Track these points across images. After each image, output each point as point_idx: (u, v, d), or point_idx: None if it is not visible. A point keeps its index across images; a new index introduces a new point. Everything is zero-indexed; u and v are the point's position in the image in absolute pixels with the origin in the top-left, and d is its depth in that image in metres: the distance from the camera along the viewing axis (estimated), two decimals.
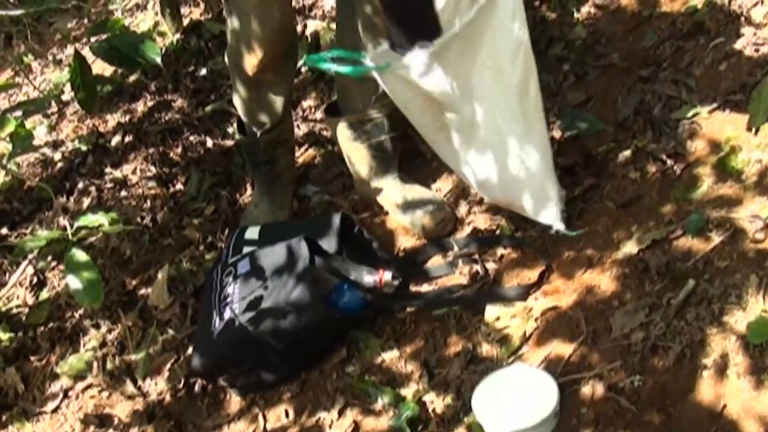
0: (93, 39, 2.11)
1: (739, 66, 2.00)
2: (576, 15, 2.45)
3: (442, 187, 2.17)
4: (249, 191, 2.46)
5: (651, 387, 1.52)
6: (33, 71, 3.59)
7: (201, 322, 1.99)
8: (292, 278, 1.84)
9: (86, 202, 2.67)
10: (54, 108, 3.19)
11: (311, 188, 2.38)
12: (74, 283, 1.74)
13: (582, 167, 1.99)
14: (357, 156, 2.17)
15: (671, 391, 1.51)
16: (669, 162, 1.89)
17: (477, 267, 1.92)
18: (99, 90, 2.88)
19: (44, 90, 3.36)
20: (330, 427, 1.78)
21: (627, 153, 1.96)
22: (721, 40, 2.08)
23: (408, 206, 2.09)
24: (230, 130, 2.71)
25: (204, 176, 2.57)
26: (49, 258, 2.49)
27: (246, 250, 2.01)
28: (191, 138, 2.77)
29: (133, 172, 2.73)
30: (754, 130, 1.84)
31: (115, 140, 2.90)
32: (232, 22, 2.00)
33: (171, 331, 2.14)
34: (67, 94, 3.23)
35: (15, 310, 2.41)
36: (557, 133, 2.10)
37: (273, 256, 1.92)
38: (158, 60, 2.02)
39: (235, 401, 1.93)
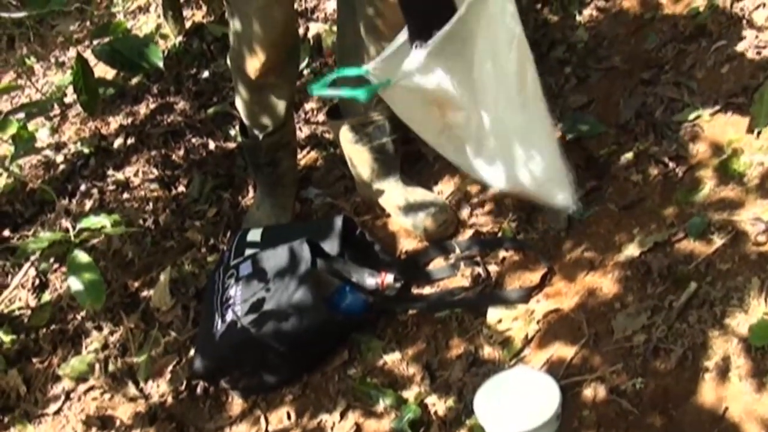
0: (95, 42, 2.11)
1: (741, 69, 2.00)
2: (578, 18, 2.45)
3: (444, 189, 2.17)
4: (251, 193, 2.47)
5: (653, 389, 1.52)
6: (35, 73, 3.59)
7: (203, 324, 1.99)
8: (294, 280, 1.85)
9: (88, 204, 2.67)
10: (56, 110, 3.19)
11: (313, 191, 2.38)
12: (76, 284, 1.74)
13: (584, 170, 1.99)
14: (359, 158, 2.17)
15: (673, 393, 1.51)
16: (671, 164, 1.89)
17: (479, 269, 1.92)
18: (101, 92, 2.87)
19: (46, 92, 3.36)
20: (332, 429, 1.78)
21: (629, 155, 1.97)
22: (723, 43, 2.08)
23: (410, 208, 2.09)
24: (232, 132, 2.71)
25: (206, 178, 2.57)
26: (51, 260, 2.49)
27: (248, 252, 2.01)
28: (193, 140, 2.78)
29: (136, 174, 2.73)
30: (756, 132, 1.84)
31: (118, 142, 2.90)
32: (235, 25, 2.00)
33: (173, 333, 2.14)
34: (70, 97, 3.23)
35: (17, 312, 2.41)
36: (559, 136, 2.10)
37: (275, 258, 1.92)
38: (161, 64, 2.03)
39: (237, 403, 1.93)
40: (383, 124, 2.12)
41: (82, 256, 1.76)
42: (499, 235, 1.98)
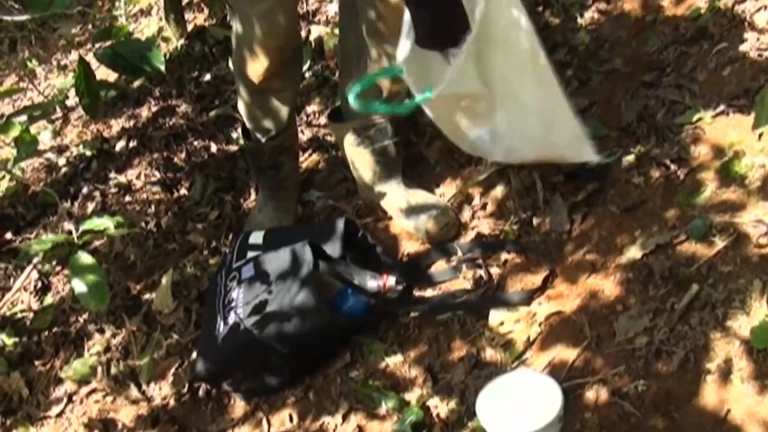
0: (97, 45, 2.11)
1: (743, 71, 2.00)
2: (579, 20, 2.46)
3: (446, 191, 2.17)
4: (253, 196, 2.47)
5: (655, 392, 1.52)
6: (37, 76, 3.59)
7: (205, 326, 1.99)
8: (297, 283, 1.85)
9: (91, 207, 2.68)
10: (58, 113, 3.20)
11: (315, 193, 2.38)
12: (79, 286, 1.74)
13: (586, 172, 1.99)
14: (361, 161, 2.17)
15: (675, 395, 1.51)
16: (672, 167, 1.89)
17: (481, 272, 1.92)
18: (103, 95, 2.89)
19: (48, 95, 3.37)
20: (334, 431, 1.78)
21: (630, 158, 1.97)
22: (725, 45, 2.09)
23: (412, 211, 2.09)
24: (234, 135, 2.71)
25: (208, 181, 2.58)
26: (54, 262, 2.49)
27: (250, 254, 2.01)
28: (195, 143, 2.78)
29: (138, 177, 2.73)
30: (757, 135, 1.84)
31: (120, 145, 2.91)
32: (237, 29, 2.00)
33: (175, 336, 2.14)
34: (72, 100, 3.24)
35: (19, 315, 2.41)
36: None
37: (277, 260, 1.92)
38: (162, 67, 2.03)
39: (239, 406, 1.93)
40: (385, 127, 2.12)
41: (85, 258, 1.76)
42: (501, 237, 1.98)
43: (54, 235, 2.35)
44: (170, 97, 3.04)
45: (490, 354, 1.75)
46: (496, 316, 1.81)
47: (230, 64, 2.15)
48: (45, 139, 3.07)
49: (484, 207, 2.07)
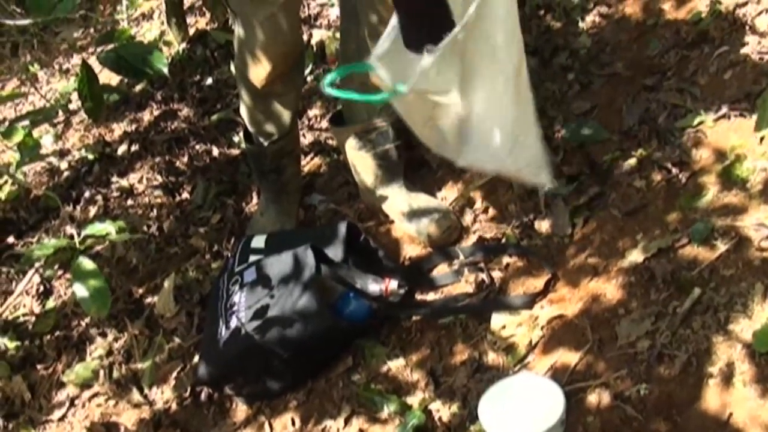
0: (99, 49, 2.12)
1: (744, 74, 2.00)
2: (580, 24, 2.46)
3: (448, 195, 2.18)
4: (255, 200, 2.47)
5: (657, 395, 1.52)
6: (39, 81, 3.60)
7: (207, 330, 1.99)
8: (299, 287, 1.85)
9: (93, 211, 2.68)
10: (60, 117, 3.20)
11: (317, 197, 2.38)
12: (81, 291, 1.74)
13: (587, 176, 2.00)
14: (362, 165, 2.17)
15: (677, 399, 1.51)
16: (674, 170, 1.90)
17: (483, 275, 1.93)
18: (105, 99, 2.89)
19: (51, 99, 3.37)
20: None
21: (632, 161, 1.97)
22: (726, 49, 2.09)
23: (413, 215, 2.09)
24: (236, 139, 2.71)
25: (210, 185, 2.58)
26: (56, 267, 2.50)
27: (252, 258, 2.02)
28: (197, 147, 2.78)
29: (140, 181, 2.74)
30: (759, 138, 1.84)
31: (122, 149, 2.91)
32: (240, 34, 2.00)
33: (177, 340, 2.14)
34: (74, 104, 3.24)
35: (21, 319, 2.41)
36: (562, 142, 2.11)
37: (279, 264, 1.92)
38: (165, 71, 2.03)
39: (241, 410, 1.93)
40: (386, 131, 2.12)
41: (87, 263, 1.76)
42: (503, 241, 1.99)
43: (56, 239, 2.35)
44: (172, 101, 3.05)
45: (492, 358, 1.75)
46: (498, 320, 1.81)
47: (232, 68, 2.15)
48: (47, 143, 3.07)
49: (485, 210, 2.07)
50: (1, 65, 3.50)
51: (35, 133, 2.55)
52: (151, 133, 2.93)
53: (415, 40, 1.66)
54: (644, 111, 2.08)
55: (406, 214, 2.11)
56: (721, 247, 1.69)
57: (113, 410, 2.07)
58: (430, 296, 1.97)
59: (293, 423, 1.84)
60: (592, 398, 1.58)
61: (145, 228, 2.51)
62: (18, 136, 2.08)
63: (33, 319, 2.40)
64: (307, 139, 2.60)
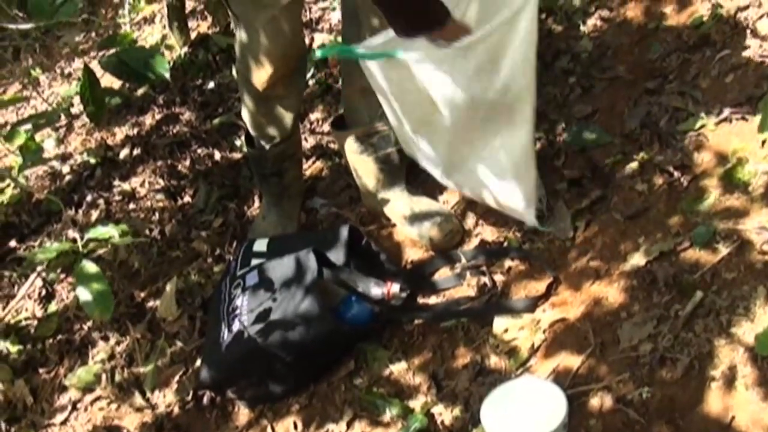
0: (101, 53, 2.12)
1: (746, 78, 2.01)
2: (582, 28, 2.46)
3: (449, 199, 2.18)
4: (257, 204, 2.47)
5: (659, 399, 1.52)
6: (41, 84, 3.60)
7: (209, 334, 1.99)
8: (301, 290, 1.85)
9: (95, 214, 2.68)
10: (62, 121, 3.20)
11: (319, 201, 2.39)
12: (84, 294, 1.74)
13: (589, 179, 2.00)
14: (364, 168, 2.18)
15: (679, 402, 1.51)
16: (676, 174, 1.90)
17: (485, 279, 1.93)
18: (107, 103, 2.89)
19: (53, 103, 3.38)
20: None
21: (634, 165, 1.97)
22: (727, 52, 2.09)
23: (415, 218, 2.09)
24: (238, 142, 2.72)
25: (212, 189, 2.58)
26: (58, 270, 2.50)
27: (254, 262, 2.02)
28: (199, 151, 2.78)
29: (142, 184, 2.74)
30: (760, 141, 1.84)
31: (124, 153, 2.92)
32: (241, 37, 2.00)
33: (179, 344, 2.14)
34: (76, 107, 3.25)
35: (24, 323, 2.42)
36: (564, 146, 2.11)
37: (281, 268, 1.92)
38: (167, 75, 2.04)
39: (243, 413, 1.93)
40: (388, 134, 2.12)
41: (90, 267, 1.76)
42: (505, 244, 1.99)
43: (58, 243, 2.35)
44: (174, 105, 3.05)
45: (494, 361, 1.75)
46: (500, 323, 1.81)
47: (234, 72, 2.15)
48: (49, 147, 3.08)
49: (487, 214, 2.07)
50: (3, 69, 3.50)
51: (37, 137, 2.56)
52: (153, 136, 2.94)
53: (410, 27, 1.66)
54: (646, 114, 2.08)
55: (407, 217, 2.11)
56: (723, 250, 1.69)
57: (115, 414, 2.07)
58: (432, 300, 1.97)
59: (295, 426, 1.85)
60: (595, 402, 1.57)
61: (147, 232, 2.51)
62: (20, 140, 2.08)
63: (35, 322, 2.40)
64: (308, 142, 2.60)
